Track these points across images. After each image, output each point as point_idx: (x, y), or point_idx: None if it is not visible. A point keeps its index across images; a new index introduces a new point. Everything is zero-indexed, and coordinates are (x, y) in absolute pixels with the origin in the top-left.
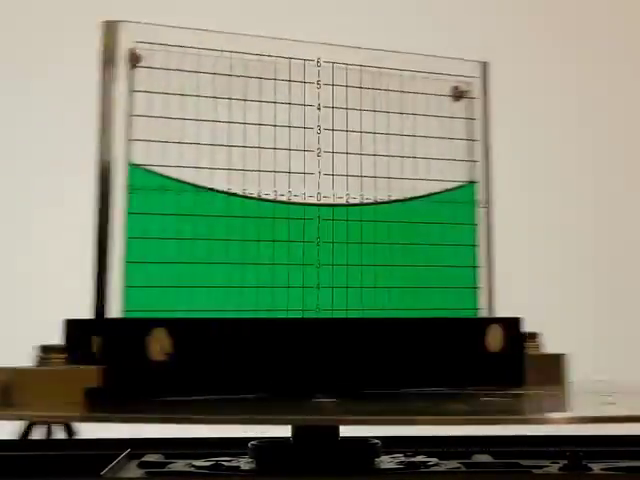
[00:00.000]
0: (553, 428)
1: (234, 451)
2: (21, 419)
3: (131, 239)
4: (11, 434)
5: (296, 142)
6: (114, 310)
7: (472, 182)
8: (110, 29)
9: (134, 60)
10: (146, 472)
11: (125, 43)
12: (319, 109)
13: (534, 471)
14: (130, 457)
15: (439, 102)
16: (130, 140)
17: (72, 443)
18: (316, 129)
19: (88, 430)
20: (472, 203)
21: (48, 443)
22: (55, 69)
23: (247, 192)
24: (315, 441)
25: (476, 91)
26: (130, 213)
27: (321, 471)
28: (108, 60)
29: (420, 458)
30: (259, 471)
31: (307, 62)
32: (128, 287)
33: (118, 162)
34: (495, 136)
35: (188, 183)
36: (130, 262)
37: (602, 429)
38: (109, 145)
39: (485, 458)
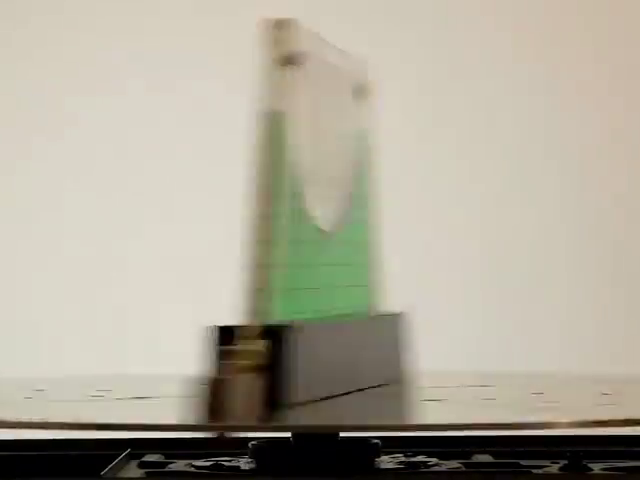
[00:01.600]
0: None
1: (234, 451)
2: None
3: None
4: None
5: None
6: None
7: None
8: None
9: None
10: (146, 472)
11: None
12: None
13: (534, 471)
14: (130, 457)
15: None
16: None
17: (72, 443)
18: None
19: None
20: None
21: (48, 443)
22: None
23: None
24: (315, 441)
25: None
26: None
27: (321, 471)
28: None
29: (420, 458)
30: (259, 471)
31: None
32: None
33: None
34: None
35: None
36: None
37: (602, 429)
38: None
39: (485, 458)
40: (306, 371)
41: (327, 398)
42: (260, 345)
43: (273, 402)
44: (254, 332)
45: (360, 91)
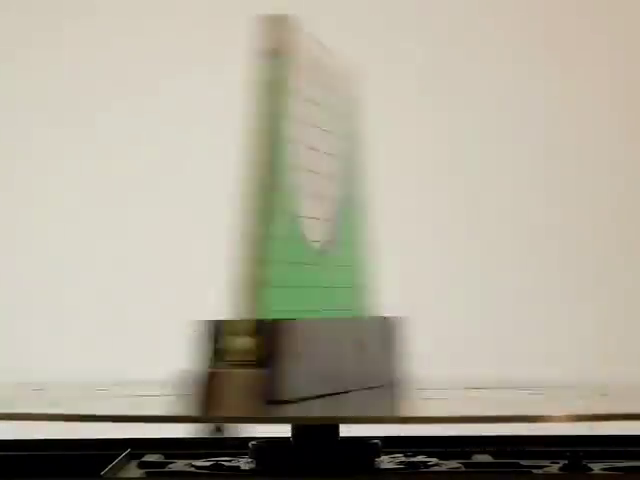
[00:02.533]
0: (553, 428)
1: (234, 451)
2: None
3: None
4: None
5: None
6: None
7: None
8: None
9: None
10: (146, 472)
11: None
12: None
13: (534, 471)
14: (130, 457)
15: None
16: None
17: (72, 443)
18: None
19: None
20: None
21: (48, 443)
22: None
23: None
24: (315, 441)
25: None
26: None
27: (321, 471)
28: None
29: (420, 458)
30: (259, 471)
31: None
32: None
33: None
34: None
35: None
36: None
37: (602, 429)
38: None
39: (485, 458)
40: (300, 368)
41: (322, 396)
42: (254, 341)
43: (268, 398)
44: (248, 328)
45: (352, 93)
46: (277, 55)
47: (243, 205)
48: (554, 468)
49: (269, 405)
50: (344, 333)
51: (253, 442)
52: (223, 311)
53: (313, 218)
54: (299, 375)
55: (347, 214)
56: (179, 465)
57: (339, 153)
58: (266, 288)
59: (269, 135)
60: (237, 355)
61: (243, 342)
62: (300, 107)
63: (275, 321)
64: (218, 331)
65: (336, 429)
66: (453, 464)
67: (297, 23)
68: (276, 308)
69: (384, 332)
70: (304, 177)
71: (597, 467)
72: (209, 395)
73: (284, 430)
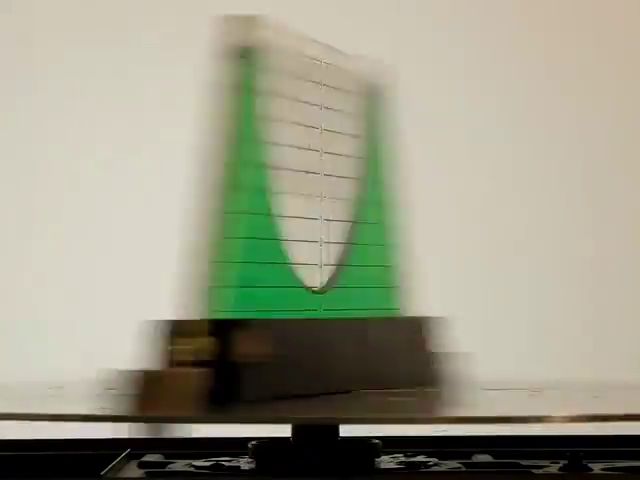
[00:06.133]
0: (553, 428)
1: (234, 451)
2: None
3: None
4: None
5: None
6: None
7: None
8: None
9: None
10: (146, 472)
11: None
12: None
13: (534, 471)
14: (130, 457)
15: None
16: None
17: (72, 443)
18: None
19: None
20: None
21: (48, 443)
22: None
23: None
24: (315, 441)
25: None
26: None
27: (321, 471)
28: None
29: (420, 458)
30: (259, 471)
31: None
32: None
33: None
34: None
35: None
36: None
37: (602, 429)
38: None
39: (485, 458)
40: (255, 368)
41: (285, 397)
42: (206, 341)
43: (218, 398)
44: (200, 328)
45: (374, 91)
46: (244, 55)
47: (201, 205)
48: (554, 468)
49: (215, 405)
50: (337, 333)
51: (253, 442)
52: (175, 311)
53: (300, 217)
54: (253, 375)
55: (373, 215)
56: (179, 465)
57: (358, 153)
58: (223, 288)
59: (232, 135)
60: (188, 355)
61: (195, 342)
62: (277, 106)
63: (226, 321)
64: (170, 331)
65: (336, 429)
66: (453, 464)
67: (268, 22)
68: (236, 308)
69: (413, 333)
70: (287, 176)
71: (597, 467)
72: (152, 394)
73: (284, 430)
